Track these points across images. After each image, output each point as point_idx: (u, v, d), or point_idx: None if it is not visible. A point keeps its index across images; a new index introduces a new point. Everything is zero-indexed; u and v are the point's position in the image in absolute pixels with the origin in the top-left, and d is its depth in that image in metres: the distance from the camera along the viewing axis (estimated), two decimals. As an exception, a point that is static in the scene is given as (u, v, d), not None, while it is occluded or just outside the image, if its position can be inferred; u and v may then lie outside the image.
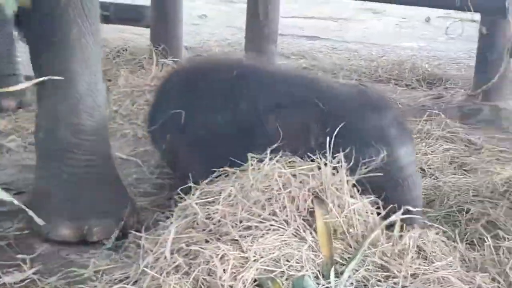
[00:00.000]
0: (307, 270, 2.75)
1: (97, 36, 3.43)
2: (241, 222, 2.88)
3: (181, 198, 3.10)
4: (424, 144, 4.90)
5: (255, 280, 2.71)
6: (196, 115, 3.62)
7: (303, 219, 2.94)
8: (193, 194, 3.05)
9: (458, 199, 3.91)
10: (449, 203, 3.90)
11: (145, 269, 2.77)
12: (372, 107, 3.34)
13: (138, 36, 7.54)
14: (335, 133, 3.12)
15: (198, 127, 3.62)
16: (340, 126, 3.14)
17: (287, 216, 2.91)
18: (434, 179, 4.33)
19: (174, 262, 2.73)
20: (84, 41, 3.36)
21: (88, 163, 3.43)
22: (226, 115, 3.54)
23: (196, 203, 2.97)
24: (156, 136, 3.97)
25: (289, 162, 3.12)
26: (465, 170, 4.56)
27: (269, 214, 2.91)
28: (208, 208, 2.95)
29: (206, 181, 3.14)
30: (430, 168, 4.52)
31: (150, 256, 2.84)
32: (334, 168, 3.07)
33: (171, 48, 6.51)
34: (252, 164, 3.10)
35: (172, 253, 2.79)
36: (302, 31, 9.27)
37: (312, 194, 2.99)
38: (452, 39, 7.84)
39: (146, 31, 6.81)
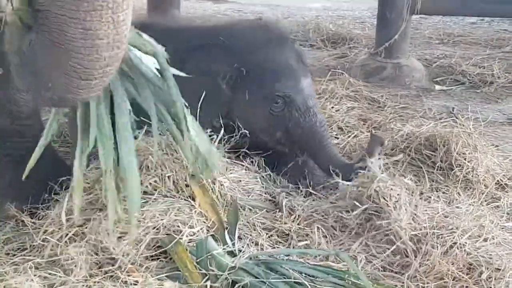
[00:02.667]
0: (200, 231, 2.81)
1: None
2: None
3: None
4: (329, 103, 4.92)
5: (155, 245, 2.75)
6: None
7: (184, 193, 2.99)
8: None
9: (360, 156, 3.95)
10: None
11: (47, 237, 2.77)
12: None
13: None
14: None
15: None
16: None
17: (168, 190, 2.96)
18: (353, 136, 4.38)
19: (70, 231, 2.74)
20: None
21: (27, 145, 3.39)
22: None
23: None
24: None
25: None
26: (374, 127, 4.61)
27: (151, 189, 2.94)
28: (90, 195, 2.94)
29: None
30: (347, 127, 4.56)
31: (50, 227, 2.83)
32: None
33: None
34: None
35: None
36: (208, -5, 9.19)
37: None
38: (354, -2, 7.89)
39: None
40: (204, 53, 3.51)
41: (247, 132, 3.44)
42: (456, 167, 3.68)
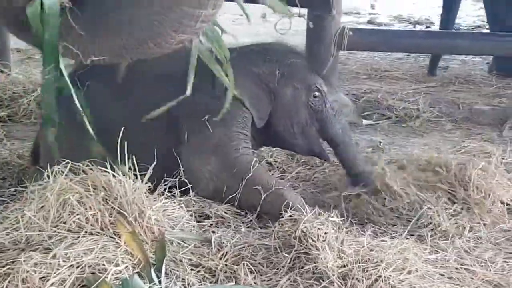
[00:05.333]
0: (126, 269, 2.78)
1: None
2: (50, 238, 2.87)
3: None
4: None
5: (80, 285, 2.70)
6: None
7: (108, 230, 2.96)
8: None
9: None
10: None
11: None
12: None
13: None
14: None
15: None
16: None
17: (92, 227, 2.93)
18: (281, 172, 4.49)
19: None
20: None
21: None
22: None
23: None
24: None
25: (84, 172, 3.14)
26: (303, 162, 4.66)
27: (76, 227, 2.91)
28: (14, 233, 2.91)
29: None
30: (276, 162, 4.62)
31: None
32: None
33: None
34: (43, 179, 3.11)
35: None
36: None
37: (112, 209, 3.03)
38: (283, 34, 7.94)
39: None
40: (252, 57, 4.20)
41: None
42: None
